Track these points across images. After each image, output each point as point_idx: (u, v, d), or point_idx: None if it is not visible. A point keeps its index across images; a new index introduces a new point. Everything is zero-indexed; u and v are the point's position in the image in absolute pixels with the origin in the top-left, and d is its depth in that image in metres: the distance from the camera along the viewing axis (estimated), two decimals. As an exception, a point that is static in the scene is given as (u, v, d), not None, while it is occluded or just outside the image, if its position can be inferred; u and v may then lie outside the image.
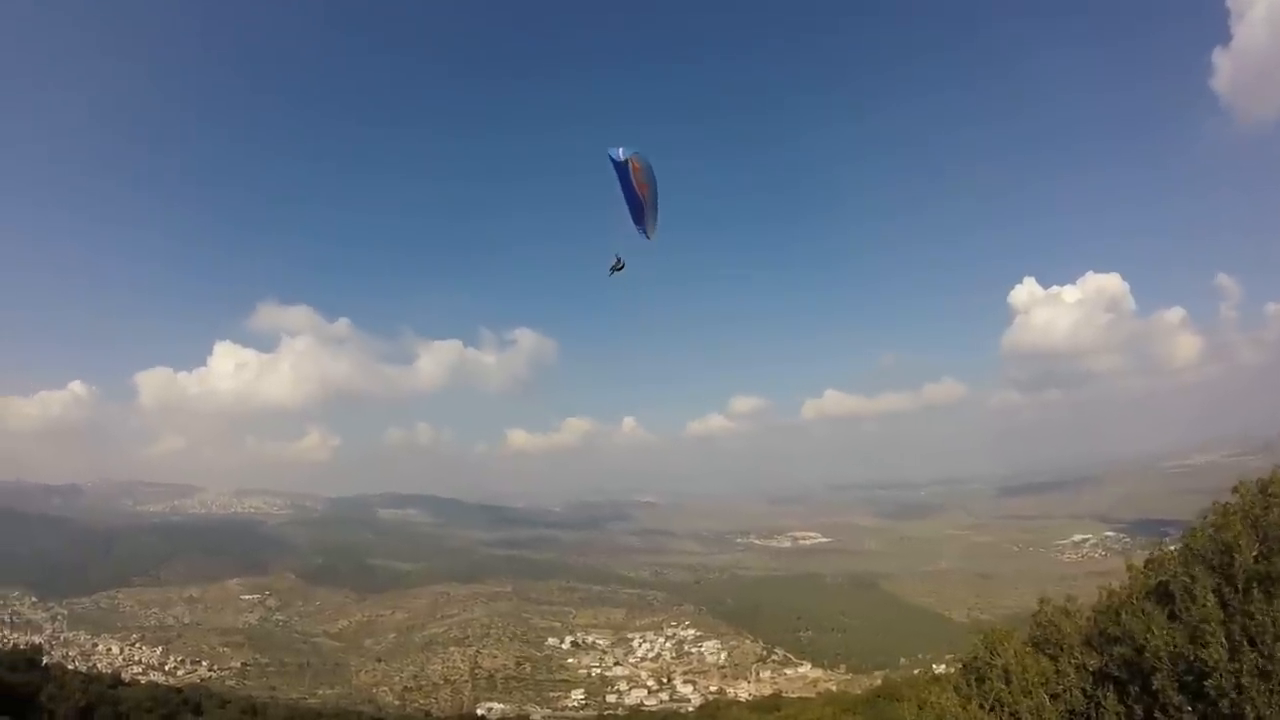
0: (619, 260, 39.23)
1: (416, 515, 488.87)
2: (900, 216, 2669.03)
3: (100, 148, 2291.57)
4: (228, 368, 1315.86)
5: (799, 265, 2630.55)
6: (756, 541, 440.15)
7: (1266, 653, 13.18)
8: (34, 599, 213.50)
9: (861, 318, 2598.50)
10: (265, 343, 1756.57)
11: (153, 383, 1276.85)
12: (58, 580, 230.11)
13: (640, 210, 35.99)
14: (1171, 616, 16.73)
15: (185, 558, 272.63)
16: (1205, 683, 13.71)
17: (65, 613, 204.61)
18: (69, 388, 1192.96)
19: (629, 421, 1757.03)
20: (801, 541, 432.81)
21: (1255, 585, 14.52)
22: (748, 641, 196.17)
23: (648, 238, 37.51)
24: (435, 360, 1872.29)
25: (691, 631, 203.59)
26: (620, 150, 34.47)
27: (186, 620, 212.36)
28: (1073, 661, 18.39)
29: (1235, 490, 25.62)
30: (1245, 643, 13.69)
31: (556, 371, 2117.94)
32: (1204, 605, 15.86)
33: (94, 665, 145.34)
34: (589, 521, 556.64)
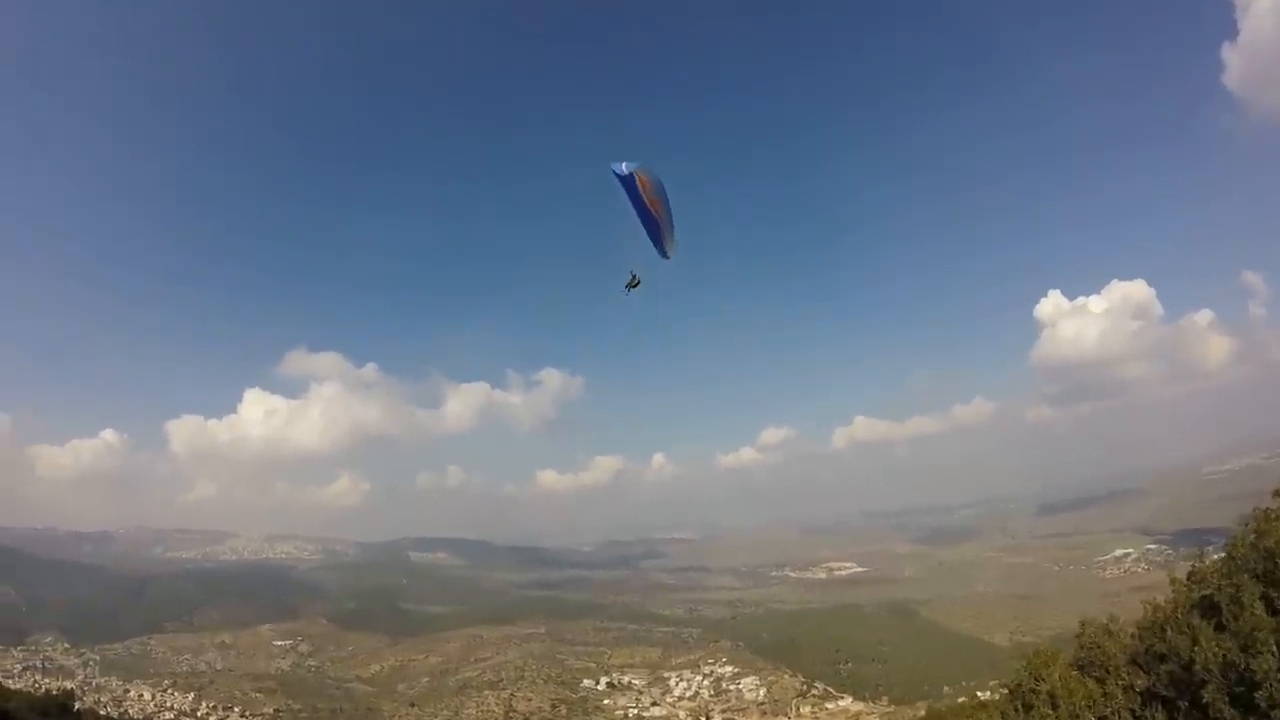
0: (634, 277, 39.32)
1: (448, 558, 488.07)
2: (920, 239, 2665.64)
3: (132, 199, 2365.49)
4: (257, 414, 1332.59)
5: (820, 294, 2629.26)
6: (792, 574, 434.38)
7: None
8: (66, 645, 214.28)
9: (887, 343, 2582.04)
10: (295, 389, 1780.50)
11: (184, 430, 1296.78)
12: (90, 626, 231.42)
13: (655, 227, 36.00)
14: (1219, 628, 16.51)
15: (217, 603, 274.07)
16: (1255, 694, 13.29)
17: (97, 659, 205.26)
18: (101, 436, 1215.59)
19: (659, 458, 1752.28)
20: (837, 572, 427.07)
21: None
22: (786, 676, 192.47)
23: (666, 257, 37.47)
24: (463, 403, 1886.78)
25: (729, 668, 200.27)
26: (624, 165, 34.31)
27: (219, 666, 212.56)
28: (1119, 682, 18.04)
29: (1277, 494, 25.02)
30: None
31: (584, 410, 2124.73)
32: (1253, 613, 15.38)
33: (126, 711, 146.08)
34: (621, 560, 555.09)
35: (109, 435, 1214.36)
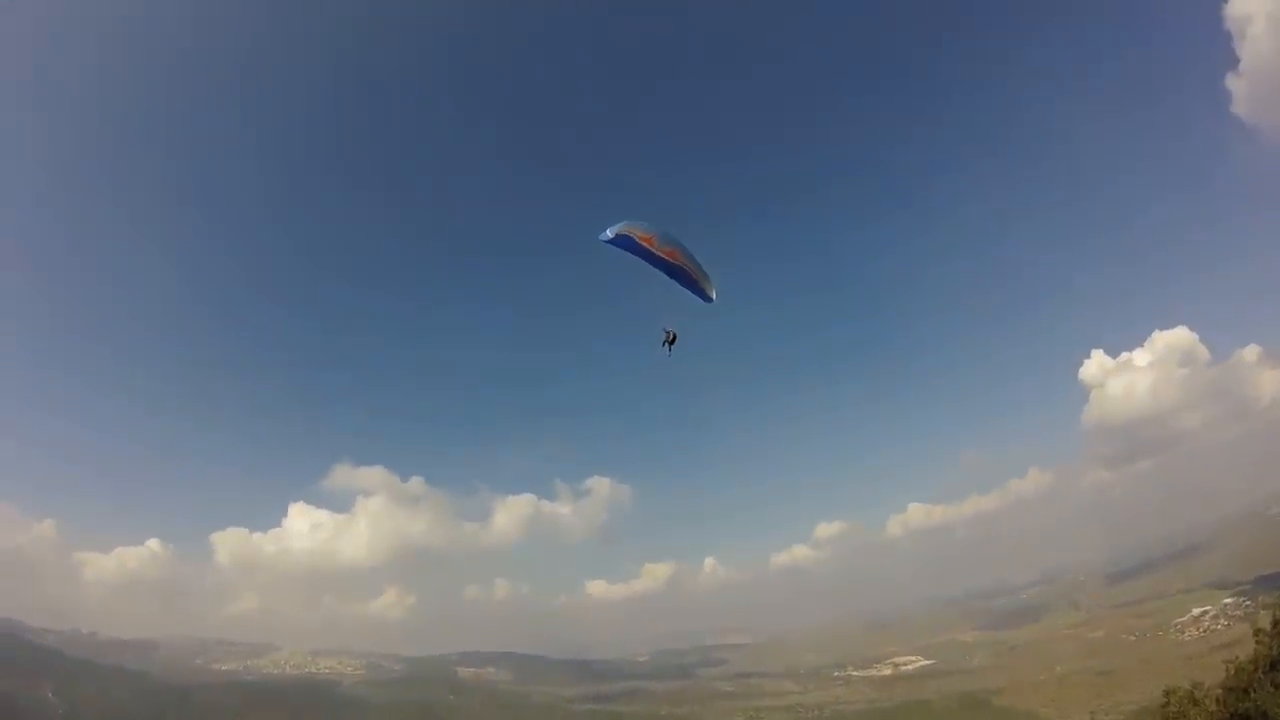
0: (669, 334, 39.33)
1: (497, 673, 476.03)
2: (956, 318, 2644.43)
3: (183, 314, 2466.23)
4: (303, 528, 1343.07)
5: (863, 383, 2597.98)
6: (855, 673, 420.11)
7: None
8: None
9: (935, 426, 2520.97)
10: (340, 503, 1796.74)
11: (228, 542, 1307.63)
12: None
13: (684, 275, 36.21)
14: None
15: (259, 717, 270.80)
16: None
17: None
18: (146, 545, 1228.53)
19: (710, 561, 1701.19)
20: (903, 667, 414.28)
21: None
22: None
23: (709, 300, 37.36)
24: (510, 514, 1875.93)
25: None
26: (608, 231, 34.93)
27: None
28: None
29: None
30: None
31: (633, 517, 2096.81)
32: None
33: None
34: (678, 669, 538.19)
35: (154, 544, 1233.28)
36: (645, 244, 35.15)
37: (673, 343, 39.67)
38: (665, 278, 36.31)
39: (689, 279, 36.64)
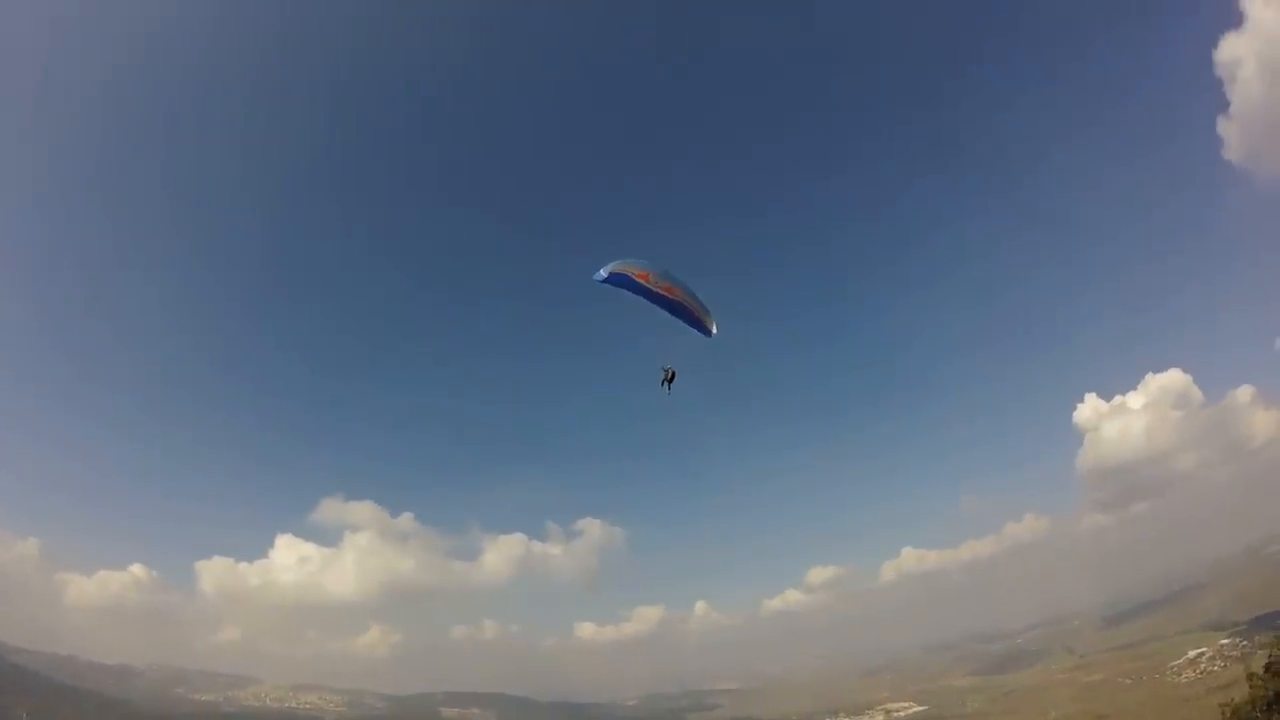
0: (668, 372, 39.30)
1: (482, 714, 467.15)
2: (949, 363, 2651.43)
3: (179, 338, 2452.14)
4: (289, 560, 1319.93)
5: (856, 429, 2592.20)
6: None
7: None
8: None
9: (928, 472, 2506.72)
10: (328, 537, 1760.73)
11: (213, 571, 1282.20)
12: None
13: (684, 310, 36.34)
14: None
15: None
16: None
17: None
18: (129, 570, 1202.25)
19: (701, 605, 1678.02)
20: (896, 714, 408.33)
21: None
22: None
23: (709, 335, 37.33)
24: (500, 554, 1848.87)
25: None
26: (602, 271, 35.18)
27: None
28: None
29: None
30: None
31: (624, 560, 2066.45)
32: None
33: None
34: (667, 713, 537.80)
35: (138, 569, 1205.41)
36: (642, 281, 35.22)
37: (672, 380, 39.65)
38: (664, 316, 36.39)
39: (689, 315, 36.74)
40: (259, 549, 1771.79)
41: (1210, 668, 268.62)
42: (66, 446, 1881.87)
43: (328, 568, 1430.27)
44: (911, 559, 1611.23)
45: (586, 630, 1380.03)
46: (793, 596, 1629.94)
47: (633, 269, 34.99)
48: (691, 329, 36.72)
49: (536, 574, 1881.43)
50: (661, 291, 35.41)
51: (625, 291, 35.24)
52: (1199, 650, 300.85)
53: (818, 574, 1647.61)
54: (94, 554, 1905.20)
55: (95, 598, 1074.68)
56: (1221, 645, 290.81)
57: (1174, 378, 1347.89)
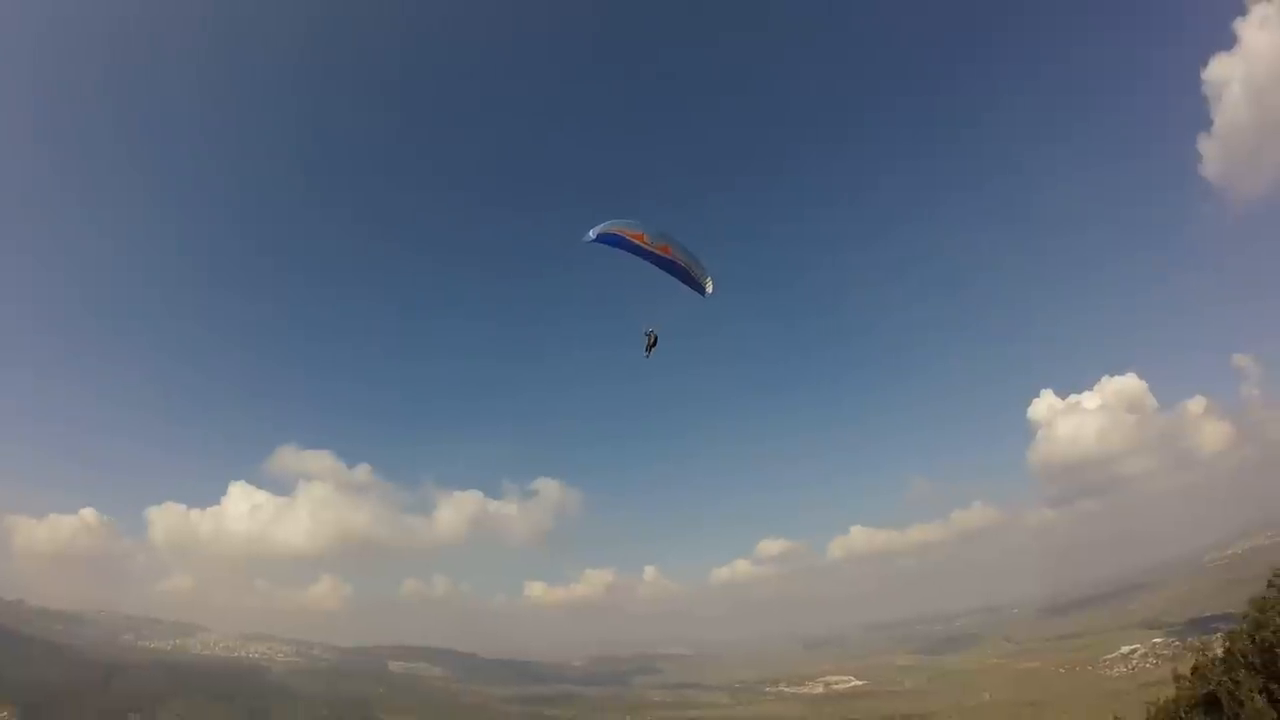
0: (651, 335, 39.09)
1: (430, 669, 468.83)
2: (911, 347, 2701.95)
3: (133, 276, 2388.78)
4: (243, 509, 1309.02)
5: (818, 405, 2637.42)
6: (787, 690, 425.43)
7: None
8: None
9: (885, 453, 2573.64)
10: (283, 485, 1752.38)
11: (165, 518, 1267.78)
12: (53, 707, 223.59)
13: (679, 270, 35.99)
14: None
15: (185, 698, 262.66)
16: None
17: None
18: (80, 514, 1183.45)
19: (651, 571, 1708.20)
20: (835, 686, 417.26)
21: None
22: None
23: (705, 294, 37.22)
24: (456, 511, 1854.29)
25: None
26: (591, 232, 34.58)
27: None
28: None
29: (1271, 584, 24.87)
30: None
31: (579, 522, 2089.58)
32: (1253, 708, 15.51)
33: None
34: (613, 676, 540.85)
35: (89, 514, 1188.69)
36: (636, 240, 34.68)
37: (654, 345, 39.13)
38: (651, 279, 35.85)
39: (684, 274, 36.11)
40: (212, 496, 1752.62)
41: (1142, 664, 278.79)
42: (18, 387, 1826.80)
43: (281, 518, 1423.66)
44: (861, 537, 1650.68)
45: (536, 590, 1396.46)
46: (742, 567, 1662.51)
47: (625, 229, 34.45)
48: (686, 288, 36.54)
49: (490, 532, 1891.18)
50: (657, 251, 34.92)
51: (621, 251, 34.86)
52: (1132, 647, 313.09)
53: (768, 546, 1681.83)
54: (45, 498, 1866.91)
55: (45, 542, 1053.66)
56: (1155, 644, 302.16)
57: (1130, 382, 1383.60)
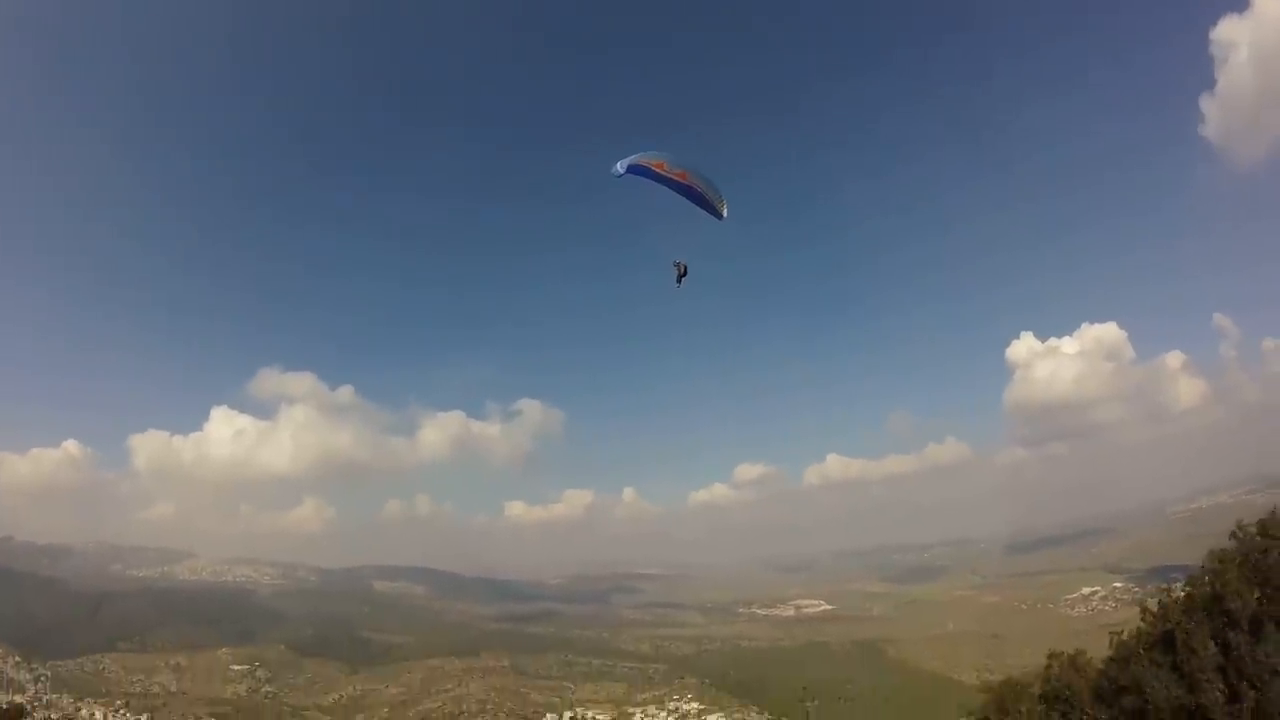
0: (681, 267, 40.12)
1: (412, 588, 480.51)
2: (896, 281, 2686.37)
3: (107, 205, 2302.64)
4: (225, 434, 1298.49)
5: (799, 332, 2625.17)
6: (760, 611, 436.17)
7: (1265, 692, 12.97)
8: (17, 658, 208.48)
9: (861, 384, 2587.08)
10: (265, 409, 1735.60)
11: (148, 445, 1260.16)
12: (43, 641, 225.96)
13: (696, 195, 37.53)
14: (1174, 667, 16.79)
15: (174, 625, 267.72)
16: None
17: (49, 674, 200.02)
18: (63, 447, 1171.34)
19: (630, 492, 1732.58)
20: (806, 610, 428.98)
21: (1250, 628, 14.30)
22: (753, 714, 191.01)
23: (721, 218, 38.52)
24: (439, 431, 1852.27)
25: (695, 705, 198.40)
26: (619, 165, 35.99)
27: (173, 688, 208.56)
28: (1085, 715, 18.50)
29: (1233, 535, 25.39)
30: (1245, 685, 13.44)
31: (560, 442, 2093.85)
32: (1202, 654, 15.51)
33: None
34: (590, 594, 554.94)
35: (71, 446, 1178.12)
36: (657, 169, 36.49)
37: (684, 275, 40.28)
38: (671, 206, 37.50)
39: (702, 199, 37.82)
40: (194, 422, 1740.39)
41: (1102, 606, 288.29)
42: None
43: (263, 441, 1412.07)
44: (836, 465, 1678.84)
45: (516, 509, 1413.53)
46: (719, 490, 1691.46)
47: (649, 160, 36.42)
48: (706, 215, 38.31)
49: (472, 452, 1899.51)
50: (675, 178, 36.84)
51: (644, 179, 36.81)
52: (1093, 589, 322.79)
53: (746, 471, 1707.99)
54: (26, 431, 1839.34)
55: (29, 477, 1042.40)
56: (1115, 588, 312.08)
57: (1110, 331, 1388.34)
